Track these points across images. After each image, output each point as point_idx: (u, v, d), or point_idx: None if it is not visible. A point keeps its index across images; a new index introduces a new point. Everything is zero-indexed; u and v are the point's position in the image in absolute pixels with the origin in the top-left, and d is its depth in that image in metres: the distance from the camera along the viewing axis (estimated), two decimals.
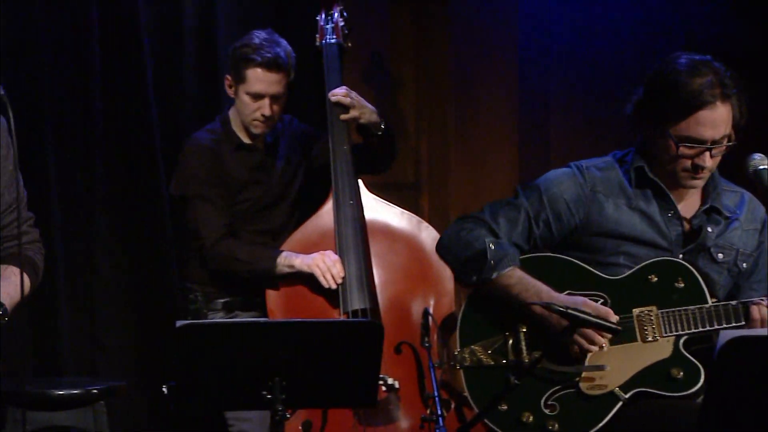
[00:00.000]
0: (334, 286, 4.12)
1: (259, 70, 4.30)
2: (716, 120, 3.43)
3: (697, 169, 3.49)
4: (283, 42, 4.38)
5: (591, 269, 3.54)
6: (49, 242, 4.08)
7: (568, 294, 3.49)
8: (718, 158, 3.52)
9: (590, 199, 3.59)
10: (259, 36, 4.35)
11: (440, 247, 3.70)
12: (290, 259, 4.18)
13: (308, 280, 4.14)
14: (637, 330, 3.49)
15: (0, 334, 2.99)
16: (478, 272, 3.53)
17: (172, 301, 4.73)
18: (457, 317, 3.90)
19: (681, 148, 3.46)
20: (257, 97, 4.32)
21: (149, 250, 4.81)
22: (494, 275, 3.50)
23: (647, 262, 3.53)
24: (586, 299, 3.46)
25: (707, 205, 3.60)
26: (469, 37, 5.52)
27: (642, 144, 3.61)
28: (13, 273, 3.07)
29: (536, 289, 3.50)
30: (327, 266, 4.12)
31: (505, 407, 3.48)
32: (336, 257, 4.14)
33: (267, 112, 4.32)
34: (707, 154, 3.47)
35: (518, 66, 5.49)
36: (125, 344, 4.77)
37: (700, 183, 3.56)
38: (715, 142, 3.45)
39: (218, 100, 4.88)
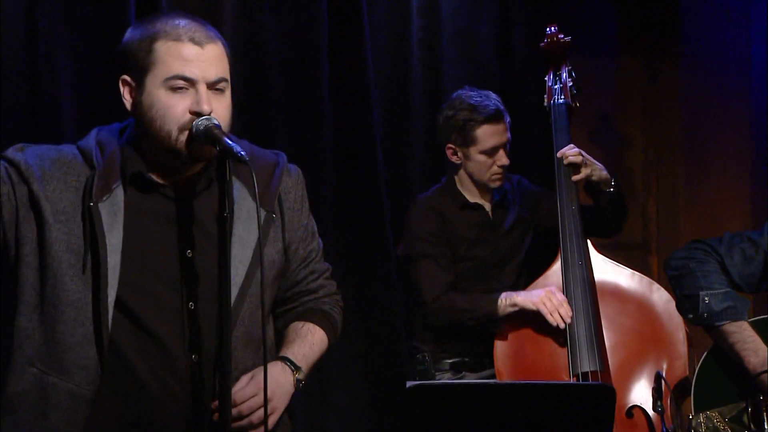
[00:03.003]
0: (562, 326, 4.07)
1: (487, 126, 4.35)
2: None
3: None
4: (490, 92, 4.44)
5: None
6: None
7: None
8: None
9: None
10: (468, 96, 4.40)
11: (667, 267, 3.65)
12: (512, 297, 4.15)
13: (537, 341, 4.11)
14: None
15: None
16: (692, 314, 3.49)
17: (400, 361, 4.76)
18: (690, 381, 3.81)
19: None
20: (493, 151, 4.35)
21: (378, 311, 4.86)
22: (707, 324, 3.43)
23: None
24: None
25: None
26: (700, 96, 5.43)
27: None
28: (309, 331, 2.93)
29: (754, 346, 3.39)
30: (554, 305, 4.07)
31: None
32: (563, 297, 4.09)
33: (505, 161, 4.37)
34: None
35: (750, 124, 5.36)
36: (355, 403, 4.81)
37: None
38: None
39: (443, 161, 4.92)
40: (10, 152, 2.75)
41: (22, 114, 4.07)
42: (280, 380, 2.78)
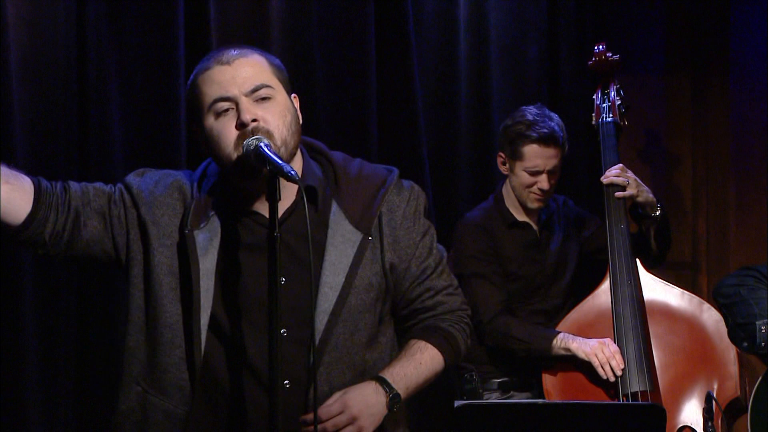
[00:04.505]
0: (612, 379, 4.05)
1: (535, 146, 4.32)
2: None
3: None
4: (555, 116, 4.40)
5: None
6: None
7: None
8: None
9: None
10: (531, 112, 4.37)
11: (718, 295, 3.61)
12: (567, 341, 4.13)
13: (586, 361, 4.09)
14: None
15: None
16: (748, 343, 3.44)
17: (447, 380, 4.74)
18: (741, 402, 3.77)
19: None
20: (535, 173, 4.33)
21: None
22: (765, 353, 3.39)
23: None
24: None
25: None
26: (749, 113, 5.39)
27: None
28: (419, 350, 2.82)
29: None
30: (606, 357, 4.05)
31: None
32: (616, 348, 4.07)
33: (545, 186, 4.33)
34: None
35: None
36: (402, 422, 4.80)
37: None
38: None
39: (490, 179, 4.92)
40: (130, 176, 2.84)
41: (72, 134, 4.12)
42: (370, 401, 2.72)
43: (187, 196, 2.79)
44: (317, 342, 2.70)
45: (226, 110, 2.70)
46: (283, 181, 2.61)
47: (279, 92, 2.75)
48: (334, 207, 2.78)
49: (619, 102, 4.43)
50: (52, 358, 4.06)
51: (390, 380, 2.76)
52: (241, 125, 2.68)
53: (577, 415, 2.96)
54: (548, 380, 4.15)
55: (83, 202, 2.75)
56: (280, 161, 2.59)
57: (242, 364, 2.74)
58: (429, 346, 2.85)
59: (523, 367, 4.29)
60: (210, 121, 2.72)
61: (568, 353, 4.12)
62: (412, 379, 2.79)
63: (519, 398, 4.28)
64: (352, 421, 2.68)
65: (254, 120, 2.68)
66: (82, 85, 4.13)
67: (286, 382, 2.71)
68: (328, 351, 2.71)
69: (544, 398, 4.11)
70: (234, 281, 2.76)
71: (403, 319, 2.91)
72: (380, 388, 2.74)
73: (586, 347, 4.09)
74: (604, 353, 4.05)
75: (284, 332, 2.70)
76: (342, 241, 2.76)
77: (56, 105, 4.09)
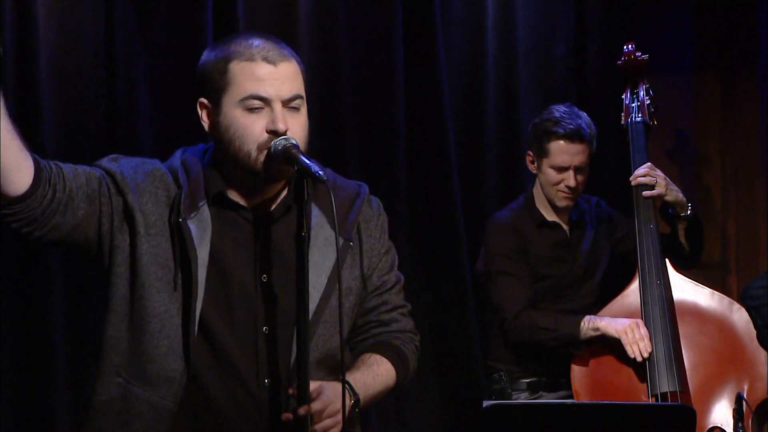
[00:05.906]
0: (639, 359, 4.04)
1: (561, 142, 4.31)
2: None
3: None
4: (584, 114, 4.39)
5: None
6: None
7: None
8: None
9: None
10: (559, 110, 4.37)
11: (745, 297, 3.59)
12: (595, 321, 4.13)
13: (614, 361, 4.08)
14: None
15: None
16: None
17: (476, 380, 4.74)
18: None
19: None
20: (561, 169, 4.32)
21: (454, 329, 4.85)
22: None
23: None
24: None
25: None
26: None
27: None
28: (375, 362, 2.83)
29: None
30: (636, 337, 4.04)
31: None
32: (646, 331, 4.06)
33: (572, 183, 4.32)
34: None
35: None
36: (431, 422, 4.80)
37: None
38: None
39: (518, 179, 4.91)
40: (105, 162, 2.77)
41: (101, 134, 4.13)
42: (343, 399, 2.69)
43: (169, 186, 2.74)
44: (300, 342, 2.67)
45: (257, 108, 2.68)
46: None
47: (304, 104, 2.74)
48: (315, 210, 2.77)
49: (648, 101, 4.42)
50: (81, 359, 4.08)
51: (354, 385, 2.74)
52: (274, 132, 2.66)
53: (607, 416, 2.95)
54: (577, 380, 4.13)
55: (77, 184, 2.67)
56: (308, 162, 2.60)
57: (223, 361, 2.72)
58: (384, 360, 2.85)
59: (551, 367, 4.28)
60: (237, 111, 2.69)
61: (597, 332, 4.11)
62: (370, 389, 2.79)
63: (548, 398, 4.27)
64: (335, 414, 2.65)
65: (285, 131, 2.67)
66: (110, 85, 4.14)
67: (267, 380, 2.71)
68: (310, 351, 2.67)
69: (572, 398, 4.09)
70: (221, 275, 2.73)
71: (355, 330, 2.89)
72: (347, 391, 2.70)
73: (616, 325, 4.08)
74: (634, 333, 4.05)
75: (266, 330, 2.72)
76: (324, 244, 2.74)
77: (85, 105, 4.11)
